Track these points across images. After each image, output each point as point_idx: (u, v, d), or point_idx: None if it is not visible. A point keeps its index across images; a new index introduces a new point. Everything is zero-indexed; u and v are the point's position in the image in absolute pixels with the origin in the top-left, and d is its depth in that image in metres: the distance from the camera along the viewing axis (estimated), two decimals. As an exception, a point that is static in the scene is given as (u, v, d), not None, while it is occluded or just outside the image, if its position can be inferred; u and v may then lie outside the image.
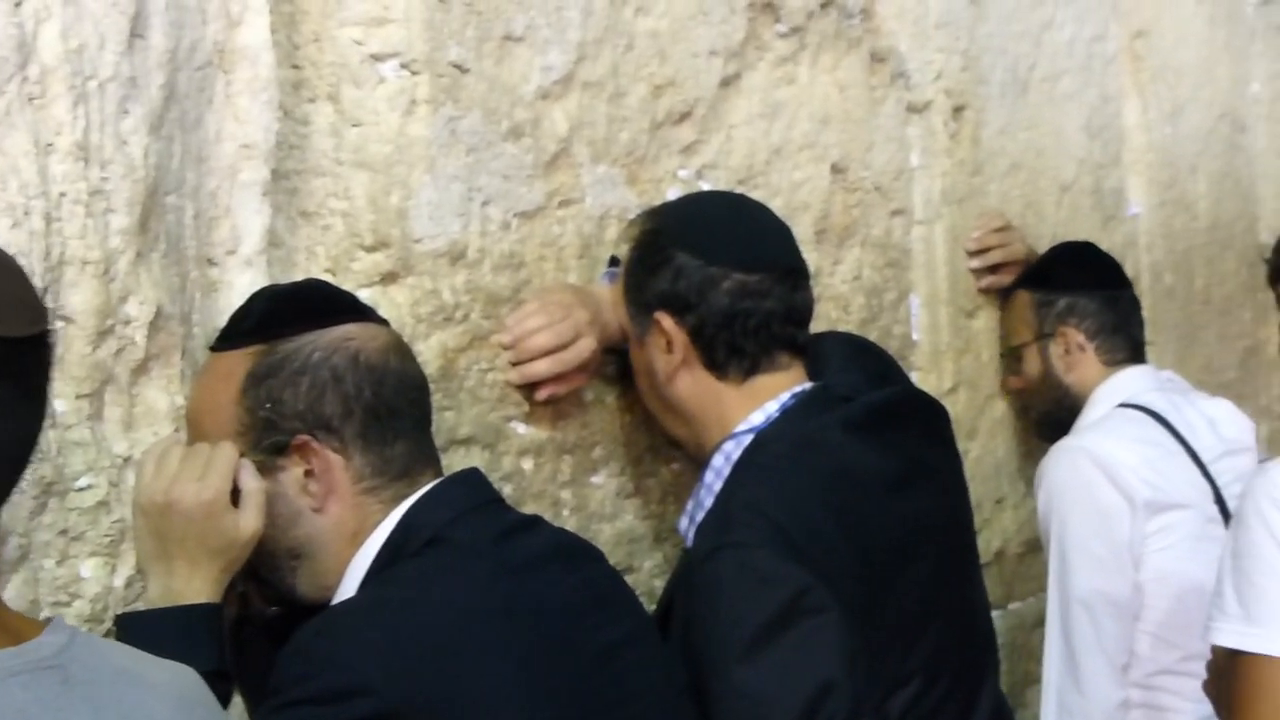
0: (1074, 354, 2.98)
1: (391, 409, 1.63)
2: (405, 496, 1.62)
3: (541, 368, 2.06)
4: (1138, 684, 2.74)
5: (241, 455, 1.59)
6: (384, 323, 1.70)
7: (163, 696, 1.30)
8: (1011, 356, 3.12)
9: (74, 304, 1.49)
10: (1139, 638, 2.73)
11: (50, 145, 1.49)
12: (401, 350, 1.67)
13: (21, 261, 1.50)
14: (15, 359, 1.24)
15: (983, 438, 3.20)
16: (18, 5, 1.44)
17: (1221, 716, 1.97)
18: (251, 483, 1.57)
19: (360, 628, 1.51)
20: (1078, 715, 2.70)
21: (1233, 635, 1.88)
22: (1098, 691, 2.70)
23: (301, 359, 1.60)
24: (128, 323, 1.55)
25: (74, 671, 1.24)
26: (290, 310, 1.65)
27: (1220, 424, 2.90)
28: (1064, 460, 2.77)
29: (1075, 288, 3.00)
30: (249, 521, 1.57)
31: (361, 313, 1.68)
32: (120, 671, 1.29)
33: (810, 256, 2.29)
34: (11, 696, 1.17)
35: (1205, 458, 2.78)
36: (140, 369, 1.57)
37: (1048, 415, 3.05)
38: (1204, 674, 2.65)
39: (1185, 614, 2.66)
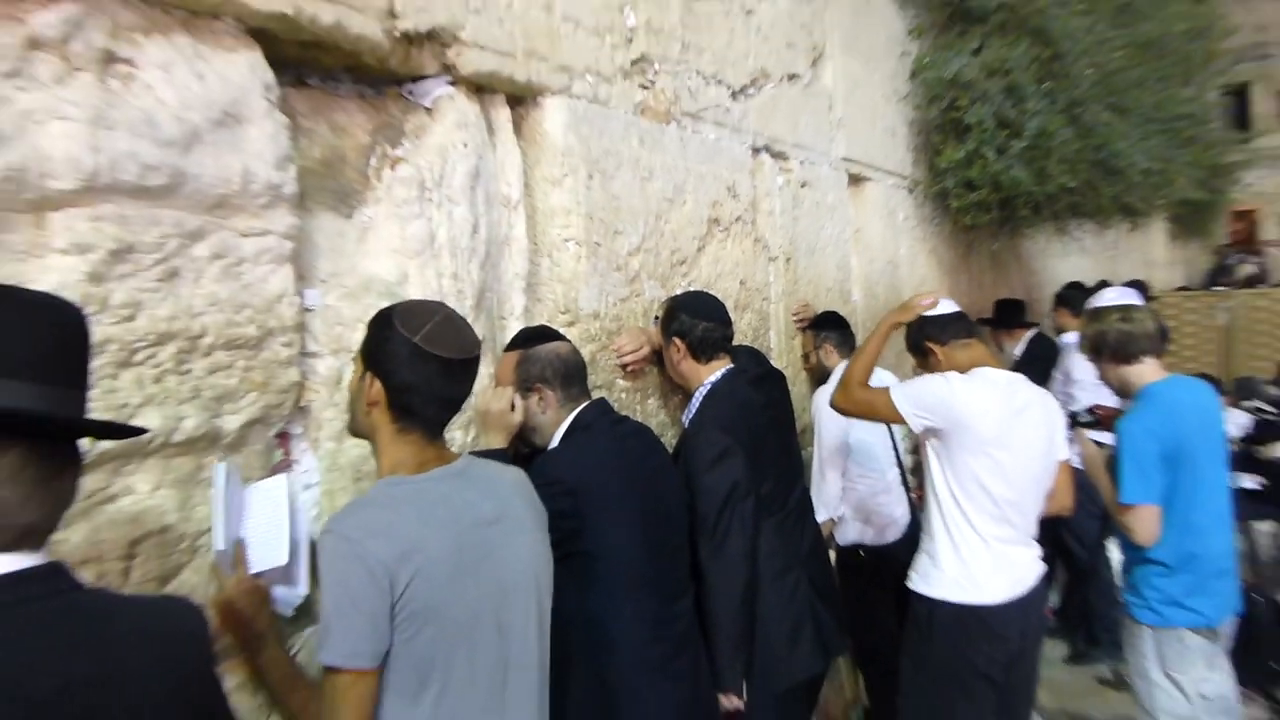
0: (828, 356, 2.91)
1: (571, 375, 1.72)
2: (576, 409, 1.66)
3: (628, 359, 2.08)
4: (847, 486, 2.99)
5: (515, 392, 1.57)
6: (569, 342, 1.69)
7: (511, 483, 1.40)
8: (805, 358, 3.06)
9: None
10: (847, 466, 2.73)
11: (441, 274, 1.73)
12: (576, 352, 1.77)
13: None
14: (453, 370, 1.27)
15: (800, 385, 3.25)
16: (421, 217, 1.50)
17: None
18: (520, 402, 1.59)
19: (558, 457, 1.56)
20: (820, 493, 2.88)
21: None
22: (829, 485, 2.86)
23: (538, 355, 1.60)
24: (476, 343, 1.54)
25: (472, 476, 1.32)
26: (533, 336, 1.74)
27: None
28: (828, 390, 2.77)
29: (829, 328, 2.99)
30: (517, 418, 1.72)
31: (561, 338, 1.75)
32: (492, 473, 1.36)
33: (733, 316, 2.27)
34: (438, 485, 1.27)
35: None
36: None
37: (824, 378, 2.96)
38: (881, 482, 2.82)
39: (860, 455, 2.85)
